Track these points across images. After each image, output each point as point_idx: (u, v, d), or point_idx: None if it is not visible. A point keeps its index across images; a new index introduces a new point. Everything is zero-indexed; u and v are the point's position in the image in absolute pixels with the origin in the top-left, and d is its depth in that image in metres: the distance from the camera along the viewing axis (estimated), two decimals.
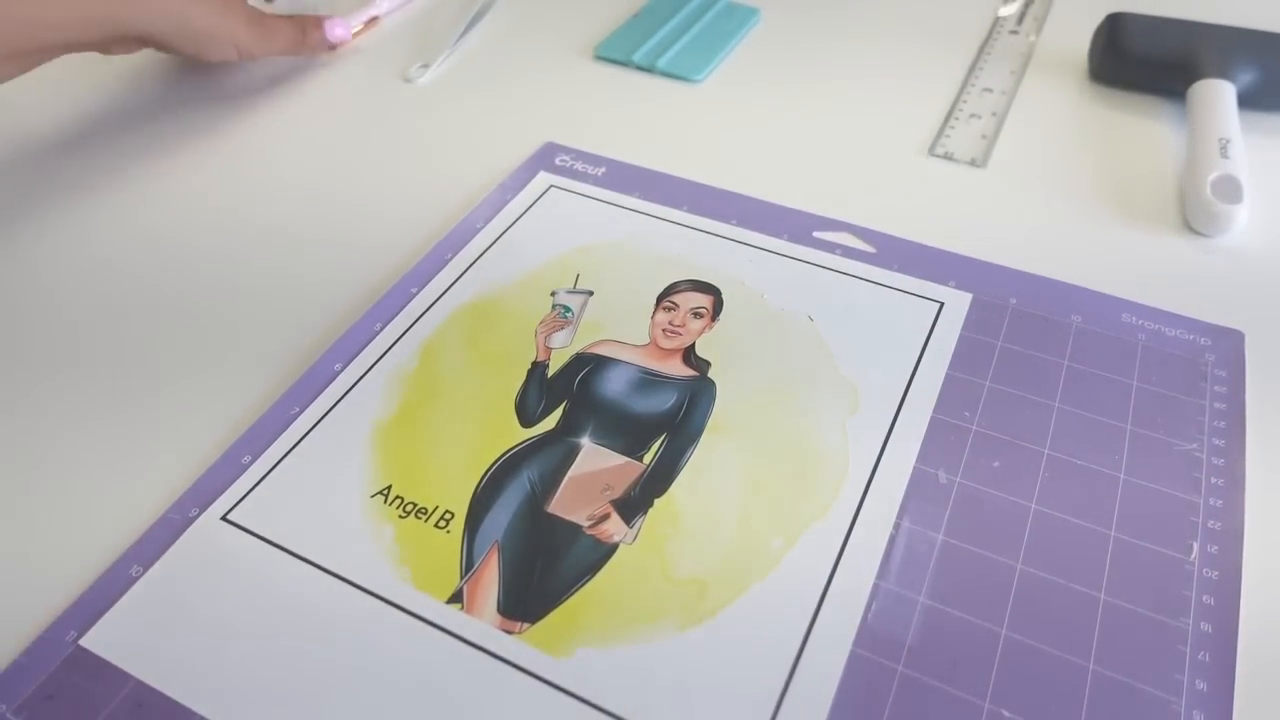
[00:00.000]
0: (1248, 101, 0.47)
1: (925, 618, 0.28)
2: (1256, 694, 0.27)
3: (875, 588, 0.29)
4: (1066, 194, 0.45)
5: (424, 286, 0.39)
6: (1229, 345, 0.37)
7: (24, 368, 0.37)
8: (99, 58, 0.53)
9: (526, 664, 0.28)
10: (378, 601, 0.29)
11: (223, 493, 0.32)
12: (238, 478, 0.32)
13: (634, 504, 0.32)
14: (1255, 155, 0.45)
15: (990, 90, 0.52)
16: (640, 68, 0.54)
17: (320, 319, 0.39)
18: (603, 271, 0.40)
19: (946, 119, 0.50)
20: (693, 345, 0.37)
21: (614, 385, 0.35)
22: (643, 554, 0.30)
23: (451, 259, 0.41)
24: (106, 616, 0.29)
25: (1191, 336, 0.37)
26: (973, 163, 0.47)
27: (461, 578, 0.30)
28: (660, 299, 0.39)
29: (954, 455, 0.33)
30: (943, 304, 0.38)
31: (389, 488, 0.32)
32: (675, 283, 0.40)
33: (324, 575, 0.30)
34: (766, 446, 0.33)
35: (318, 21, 0.52)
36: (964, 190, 0.45)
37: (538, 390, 0.35)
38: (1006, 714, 0.26)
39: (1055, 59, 0.54)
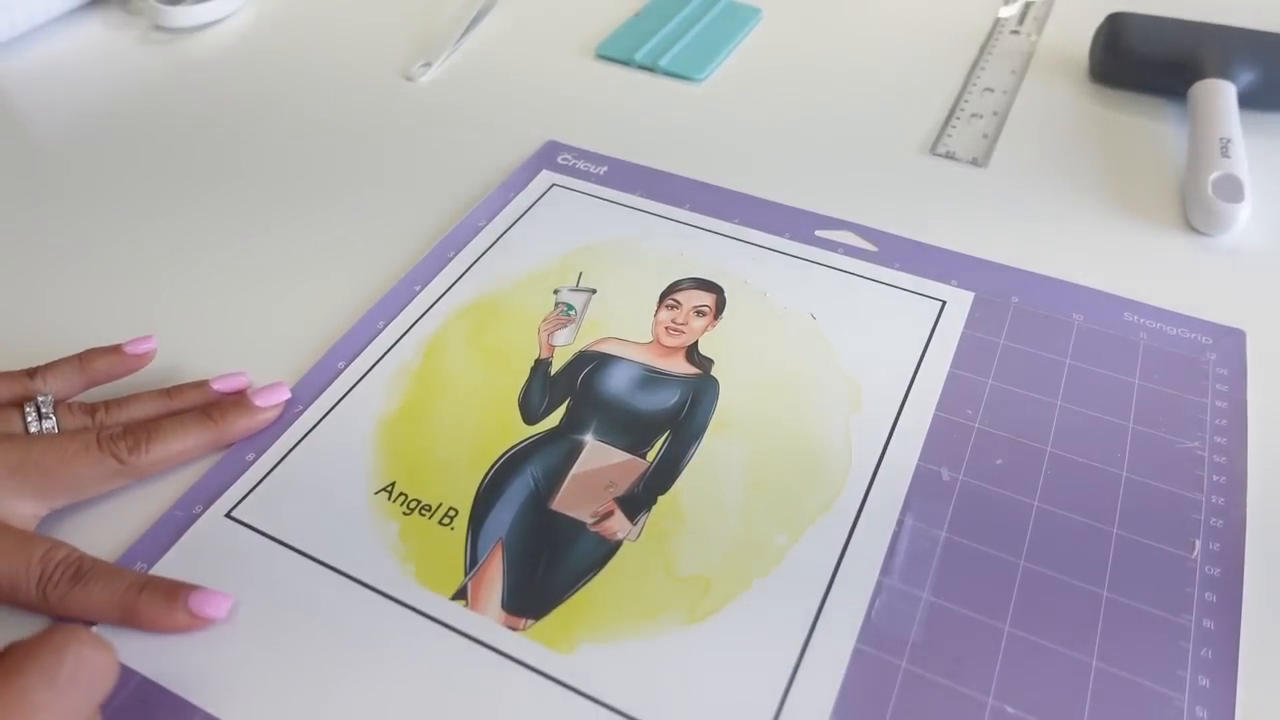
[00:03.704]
0: (1248, 101, 0.48)
1: (929, 614, 0.29)
2: (1259, 690, 0.27)
3: (879, 584, 0.29)
4: (1068, 193, 0.45)
5: (427, 284, 0.40)
6: (1230, 344, 0.37)
7: None
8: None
9: (530, 660, 0.28)
10: (382, 598, 0.29)
11: (227, 489, 0.32)
12: (241, 474, 0.32)
13: (637, 501, 0.32)
14: (1256, 155, 0.45)
15: (991, 90, 0.52)
16: (642, 67, 0.54)
17: (322, 316, 0.39)
18: (605, 270, 0.40)
19: (948, 118, 0.50)
20: (695, 343, 0.37)
21: (617, 383, 0.35)
22: (646, 550, 0.30)
23: (454, 257, 0.41)
24: None
25: (1193, 335, 0.37)
26: (974, 162, 0.47)
27: (466, 574, 0.30)
28: (663, 297, 0.39)
29: (957, 453, 0.33)
30: (945, 302, 0.38)
31: (393, 484, 0.32)
32: (678, 281, 0.40)
33: (328, 572, 0.30)
34: (769, 444, 0.33)
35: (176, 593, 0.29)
36: (966, 189, 0.45)
37: (541, 388, 0.35)
38: (1010, 710, 0.27)
39: (1056, 59, 0.54)
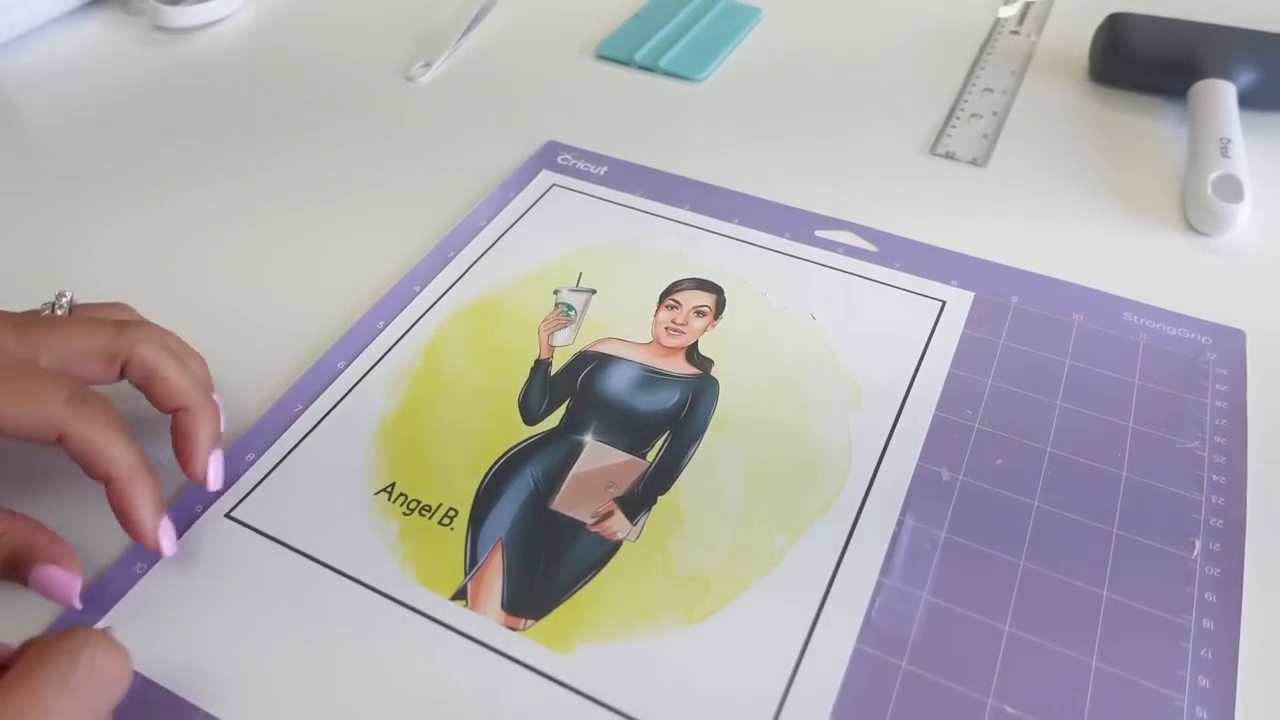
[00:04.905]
0: (1248, 101, 0.48)
1: (929, 614, 0.29)
2: (1259, 690, 0.27)
3: (879, 584, 0.29)
4: (1068, 193, 0.45)
5: (427, 285, 0.40)
6: (1230, 344, 0.37)
7: None
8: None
9: (530, 660, 0.28)
10: (382, 598, 0.29)
11: (226, 489, 0.32)
12: (241, 475, 0.32)
13: (637, 501, 0.32)
14: (1256, 155, 0.45)
15: (991, 90, 0.52)
16: (642, 67, 0.54)
17: (323, 317, 0.39)
18: (605, 270, 0.40)
19: (948, 118, 0.50)
20: (695, 343, 0.37)
21: (617, 383, 0.35)
22: (646, 551, 0.30)
23: (454, 257, 0.41)
24: (111, 613, 0.29)
25: (1193, 335, 0.37)
26: (974, 162, 0.47)
27: (466, 574, 0.30)
28: (663, 297, 0.39)
29: (956, 453, 0.33)
30: (945, 303, 0.38)
31: (393, 485, 0.32)
32: (678, 281, 0.40)
33: (328, 572, 0.30)
34: (769, 444, 0.33)
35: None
36: (966, 189, 0.45)
37: (541, 388, 0.35)
38: (1010, 710, 0.27)
39: (1056, 59, 0.54)
